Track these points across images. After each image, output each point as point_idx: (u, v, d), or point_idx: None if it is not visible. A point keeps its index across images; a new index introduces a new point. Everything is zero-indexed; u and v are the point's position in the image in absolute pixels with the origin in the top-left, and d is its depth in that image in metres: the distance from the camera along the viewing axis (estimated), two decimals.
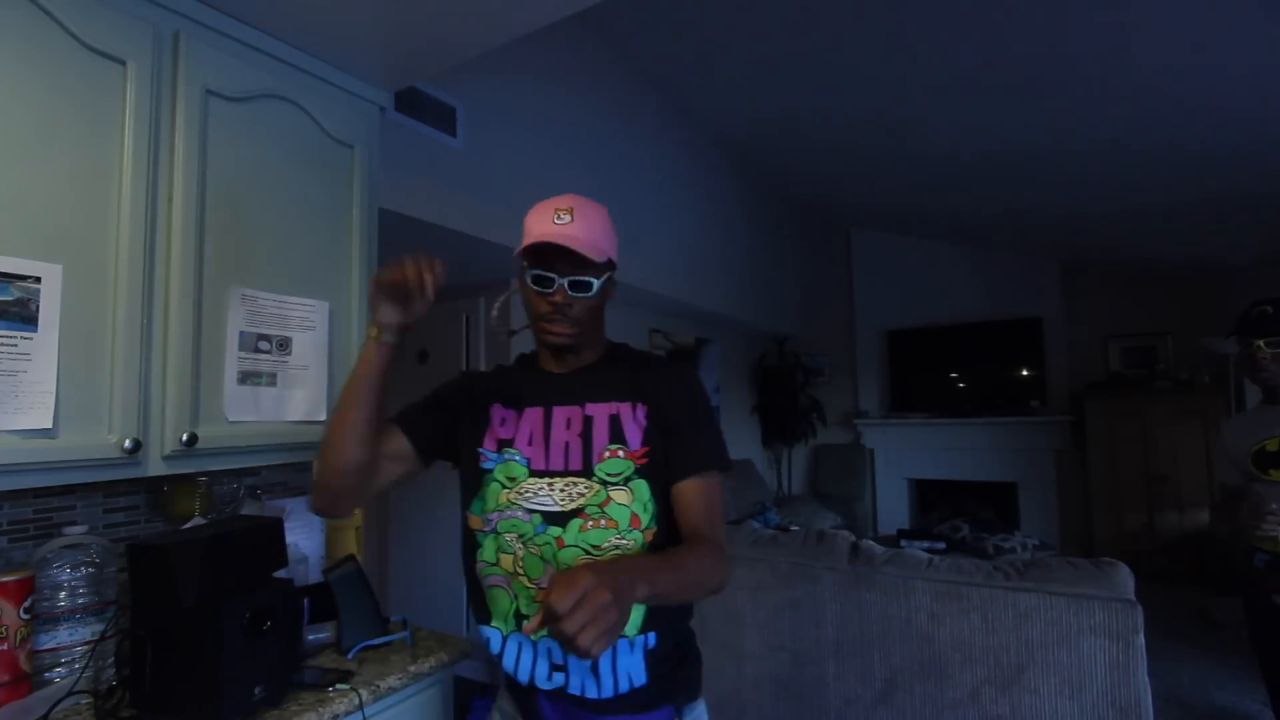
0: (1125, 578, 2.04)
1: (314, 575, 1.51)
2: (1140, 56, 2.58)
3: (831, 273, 6.23)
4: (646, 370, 1.09)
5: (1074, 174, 3.75)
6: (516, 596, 0.97)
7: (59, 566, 1.14)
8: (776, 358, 6.13)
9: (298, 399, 1.33)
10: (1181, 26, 2.34)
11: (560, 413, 1.04)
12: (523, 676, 0.98)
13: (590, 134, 3.30)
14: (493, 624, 1.00)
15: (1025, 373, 5.21)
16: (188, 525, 1.30)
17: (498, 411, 1.09)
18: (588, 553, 0.93)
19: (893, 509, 5.68)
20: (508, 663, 0.99)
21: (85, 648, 1.13)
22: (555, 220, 1.02)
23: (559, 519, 0.95)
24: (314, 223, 1.40)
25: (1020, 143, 3.52)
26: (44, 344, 0.97)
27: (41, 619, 1.11)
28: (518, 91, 2.80)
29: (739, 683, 2.49)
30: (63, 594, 1.13)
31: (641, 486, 0.96)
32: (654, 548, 0.95)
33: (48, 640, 1.11)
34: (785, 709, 2.37)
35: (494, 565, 0.98)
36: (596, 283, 1.02)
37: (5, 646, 1.03)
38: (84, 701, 1.05)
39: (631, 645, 0.95)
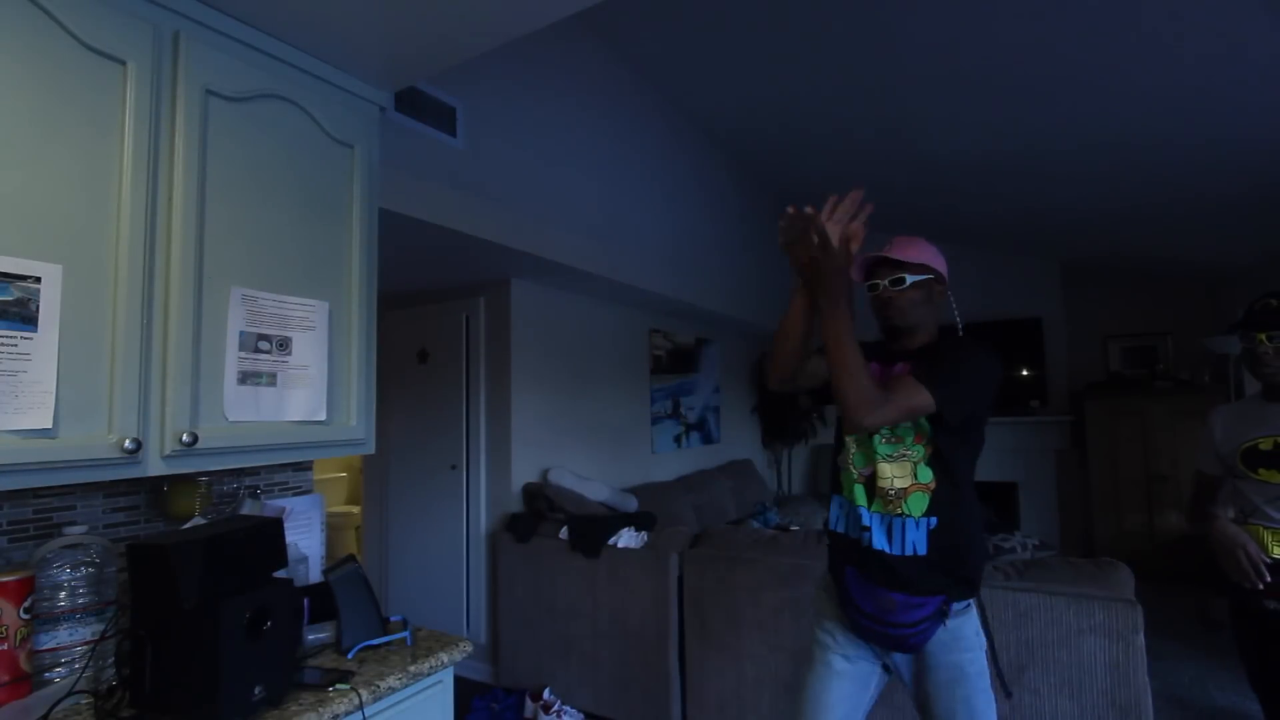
0: (1125, 578, 2.04)
1: (314, 575, 1.51)
2: (1141, 56, 2.58)
3: None
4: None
5: (1074, 174, 3.75)
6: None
7: (59, 566, 1.14)
8: None
9: (298, 399, 1.33)
10: (1182, 27, 2.34)
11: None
12: (838, 527, 1.45)
13: (590, 134, 3.30)
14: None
15: (1025, 373, 5.22)
16: (188, 525, 1.30)
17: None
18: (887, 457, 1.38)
19: None
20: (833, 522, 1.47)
21: (85, 648, 1.13)
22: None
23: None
24: (314, 223, 1.40)
25: (1020, 143, 3.52)
26: (44, 344, 0.97)
27: (41, 619, 1.11)
28: (518, 91, 2.80)
29: (739, 683, 2.49)
30: (63, 594, 1.14)
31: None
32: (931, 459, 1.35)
33: (48, 640, 1.11)
34: (785, 709, 2.37)
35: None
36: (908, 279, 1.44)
37: (5, 646, 1.03)
38: (84, 701, 1.05)
39: (917, 524, 1.33)
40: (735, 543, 2.61)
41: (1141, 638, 1.94)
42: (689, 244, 4.25)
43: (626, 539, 2.82)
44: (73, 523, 1.27)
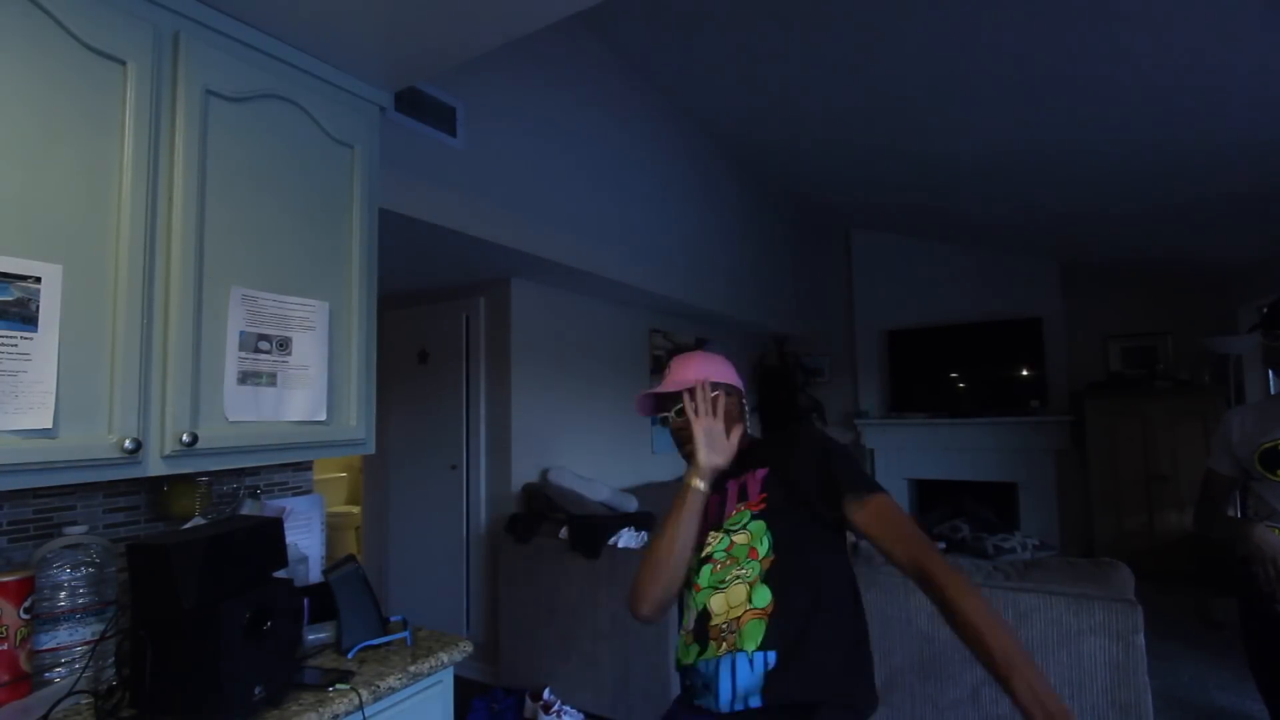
0: (1125, 578, 2.04)
1: (314, 575, 1.51)
2: (1141, 57, 2.58)
3: (832, 273, 6.23)
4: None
5: (1074, 174, 3.75)
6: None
7: (59, 566, 1.14)
8: (776, 358, 6.12)
9: (298, 399, 1.33)
10: (1183, 27, 2.34)
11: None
12: None
13: (590, 134, 3.30)
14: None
15: (1025, 373, 5.21)
16: (188, 525, 1.30)
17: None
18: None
19: None
20: None
21: (85, 648, 1.13)
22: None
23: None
24: (314, 223, 1.40)
25: (1021, 143, 3.52)
26: (44, 344, 0.97)
27: (41, 619, 1.11)
28: (517, 91, 2.80)
29: None
30: (63, 594, 1.13)
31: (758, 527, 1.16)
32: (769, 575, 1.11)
33: (48, 640, 1.11)
34: None
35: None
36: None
37: (5, 646, 1.03)
38: (84, 701, 1.05)
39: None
40: None
41: (1141, 638, 1.94)
42: (689, 244, 4.25)
43: (626, 539, 2.82)
44: (73, 523, 1.27)
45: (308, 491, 1.74)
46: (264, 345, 1.28)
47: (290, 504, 1.54)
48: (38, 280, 0.97)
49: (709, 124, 4.33)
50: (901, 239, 5.80)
